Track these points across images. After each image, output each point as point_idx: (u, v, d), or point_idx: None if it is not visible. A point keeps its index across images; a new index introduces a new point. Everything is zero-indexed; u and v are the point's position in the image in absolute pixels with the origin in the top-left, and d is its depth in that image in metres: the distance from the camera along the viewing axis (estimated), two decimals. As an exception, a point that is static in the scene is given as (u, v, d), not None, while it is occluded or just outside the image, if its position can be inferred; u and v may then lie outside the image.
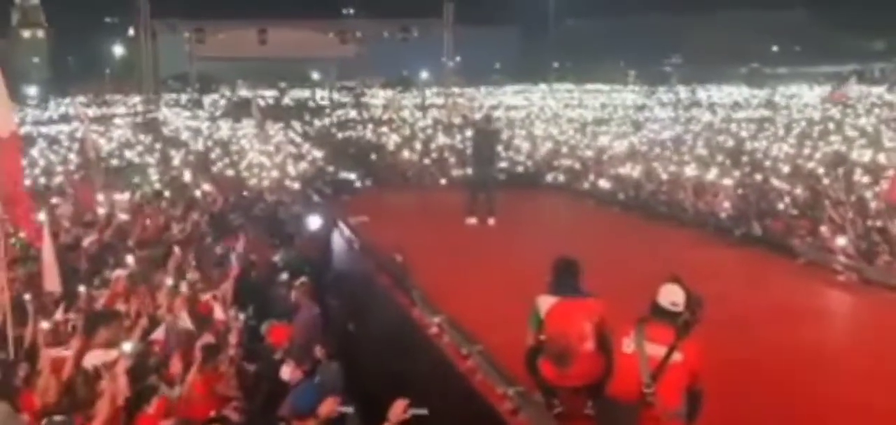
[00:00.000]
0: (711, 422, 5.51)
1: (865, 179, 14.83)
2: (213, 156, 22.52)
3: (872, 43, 50.06)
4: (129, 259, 9.95)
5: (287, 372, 7.09)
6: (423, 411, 5.20)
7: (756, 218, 13.00)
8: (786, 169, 16.49)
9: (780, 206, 13.42)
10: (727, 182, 15.40)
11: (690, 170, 17.09)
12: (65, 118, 34.14)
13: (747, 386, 6.84)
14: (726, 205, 13.86)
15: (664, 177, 16.99)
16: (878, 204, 12.64)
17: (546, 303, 6.17)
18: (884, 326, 8.92)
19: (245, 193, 16.69)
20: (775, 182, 15.03)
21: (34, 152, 23.28)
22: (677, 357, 5.25)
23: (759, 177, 15.83)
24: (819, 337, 8.57)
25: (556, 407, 6.24)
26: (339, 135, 27.31)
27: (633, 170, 17.81)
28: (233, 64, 50.06)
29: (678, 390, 5.28)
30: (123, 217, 12.70)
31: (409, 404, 5.16)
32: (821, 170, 15.95)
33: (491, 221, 13.83)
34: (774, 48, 52.81)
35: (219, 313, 8.85)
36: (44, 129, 30.71)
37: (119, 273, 9.12)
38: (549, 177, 19.19)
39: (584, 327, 5.93)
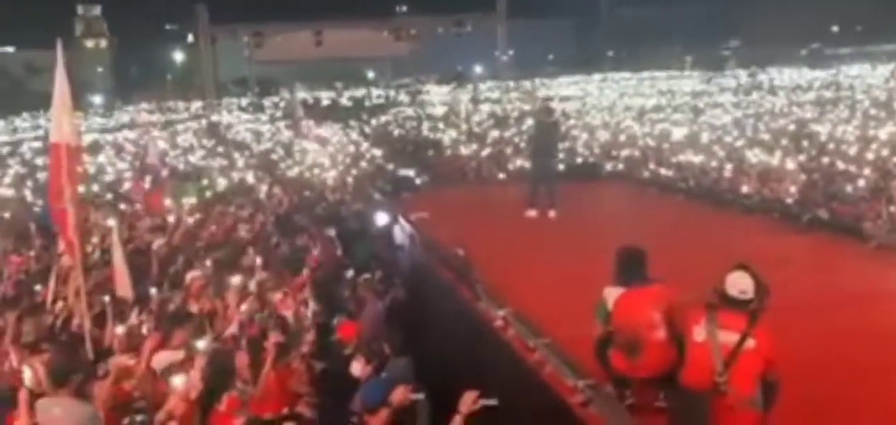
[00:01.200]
0: (784, 409, 5.46)
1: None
2: (274, 157, 22.87)
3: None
4: (204, 261, 10.17)
5: (357, 368, 7.18)
6: (493, 401, 5.22)
7: (823, 202, 12.76)
8: (852, 151, 16.10)
9: (848, 189, 13.13)
10: (792, 166, 15.12)
11: (754, 156, 16.81)
12: (129, 125, 34.98)
13: (819, 371, 6.73)
14: (792, 190, 13.61)
15: (727, 163, 16.73)
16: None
17: (613, 294, 6.18)
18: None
19: (307, 193, 16.91)
20: (841, 164, 14.68)
21: (101, 159, 23.93)
22: (750, 343, 5.21)
23: (824, 160, 15.49)
24: (893, 322, 8.38)
25: (627, 399, 6.24)
26: (396, 133, 27.49)
27: (695, 158, 17.58)
28: (290, 66, 50.78)
29: (752, 377, 5.24)
30: (190, 221, 12.97)
31: (480, 395, 5.20)
32: (886, 151, 15.54)
33: (552, 214, 13.81)
34: (835, 28, 51.53)
35: (291, 311, 9.02)
36: (109, 137, 31.51)
37: (193, 274, 9.33)
38: (609, 167, 19.06)
39: (652, 316, 5.89)
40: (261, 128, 31.23)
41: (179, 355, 6.90)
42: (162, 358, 6.93)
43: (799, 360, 6.68)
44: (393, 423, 6.11)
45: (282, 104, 38.93)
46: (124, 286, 8.54)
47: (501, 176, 18.66)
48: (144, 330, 7.71)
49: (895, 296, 9.47)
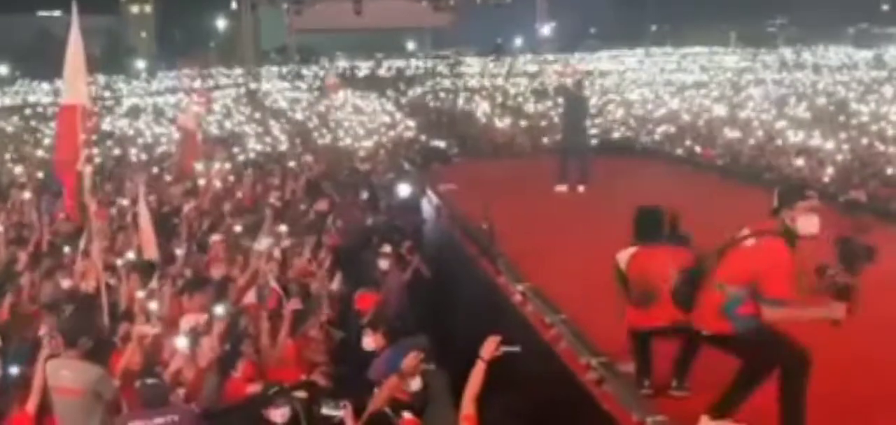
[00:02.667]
0: (821, 393, 5.31)
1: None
2: (310, 126, 22.94)
3: None
4: (229, 225, 10.25)
5: (368, 342, 7.18)
6: (516, 348, 5.19)
7: (861, 183, 12.47)
8: (892, 132, 15.70)
9: (889, 171, 12.81)
10: (831, 146, 14.80)
11: (793, 135, 16.49)
12: (171, 90, 35.31)
13: (857, 356, 6.54)
14: (830, 170, 13.32)
15: (766, 141, 16.45)
16: None
17: (625, 255, 6.24)
18: None
19: (337, 162, 16.96)
20: (881, 146, 14.32)
21: (140, 124, 24.23)
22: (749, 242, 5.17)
23: (864, 141, 15.13)
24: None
25: (645, 388, 6.15)
26: (433, 105, 27.41)
27: (732, 135, 17.30)
28: (330, 36, 50.79)
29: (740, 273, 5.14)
30: (220, 185, 13.08)
31: (501, 342, 5.16)
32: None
33: (581, 189, 13.68)
34: (885, 7, 50.27)
35: (313, 278, 9.05)
36: (150, 101, 31.85)
37: (216, 238, 9.41)
38: (644, 142, 18.82)
39: (667, 270, 5.74)
40: (299, 96, 31.32)
41: (202, 318, 6.97)
42: (186, 322, 7.00)
43: (834, 344, 6.56)
44: (409, 398, 6.10)
45: (321, 73, 39.00)
46: (150, 248, 8.63)
47: (535, 150, 18.53)
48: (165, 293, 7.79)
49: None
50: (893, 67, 28.50)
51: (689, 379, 6.12)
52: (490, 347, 5.13)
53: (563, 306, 7.76)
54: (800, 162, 14.42)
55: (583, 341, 6.97)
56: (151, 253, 8.55)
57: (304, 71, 39.82)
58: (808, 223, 4.99)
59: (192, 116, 16.72)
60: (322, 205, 12.04)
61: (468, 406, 4.99)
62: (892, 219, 11.17)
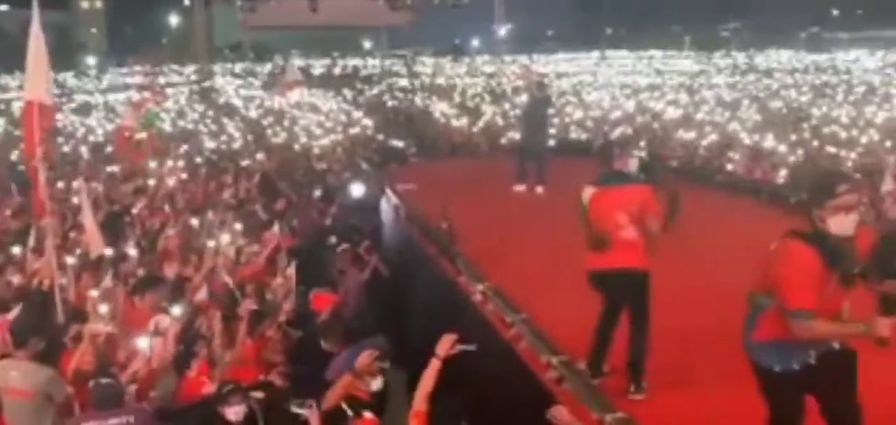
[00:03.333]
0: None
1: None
2: (264, 123, 22.69)
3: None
4: (180, 223, 10.06)
5: (326, 345, 7.10)
6: (472, 347, 5.23)
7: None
8: (843, 135, 16.00)
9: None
10: (783, 148, 15.05)
11: (746, 137, 16.74)
12: (123, 87, 34.67)
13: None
14: (783, 172, 13.53)
15: (719, 143, 16.66)
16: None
17: (588, 192, 6.29)
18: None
19: (293, 160, 16.79)
20: (832, 149, 14.57)
21: (91, 121, 23.76)
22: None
23: (815, 143, 15.38)
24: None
25: (605, 371, 6.20)
26: (390, 104, 27.31)
27: (685, 137, 17.50)
28: (285, 33, 50.30)
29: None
30: (172, 183, 12.85)
31: (457, 340, 5.18)
32: (878, 137, 15.43)
33: (539, 189, 13.70)
34: (835, 12, 51.36)
35: (269, 278, 8.92)
36: (101, 98, 31.24)
37: (168, 233, 9.24)
38: (602, 143, 18.89)
39: (618, 217, 6.05)
40: (253, 93, 30.99)
41: (163, 319, 6.82)
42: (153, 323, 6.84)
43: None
44: (369, 397, 6.04)
45: (276, 71, 38.65)
46: (97, 244, 8.43)
47: (493, 150, 18.55)
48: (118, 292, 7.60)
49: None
50: (845, 71, 29.09)
51: (646, 380, 6.14)
52: (445, 345, 5.14)
53: (523, 305, 7.75)
54: (751, 161, 14.63)
55: (543, 340, 6.96)
56: (98, 247, 8.36)
57: (258, 68, 39.40)
58: (840, 223, 4.22)
59: (132, 115, 16.52)
60: (279, 204, 11.91)
61: (420, 403, 5.00)
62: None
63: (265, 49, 48.19)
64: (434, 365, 5.12)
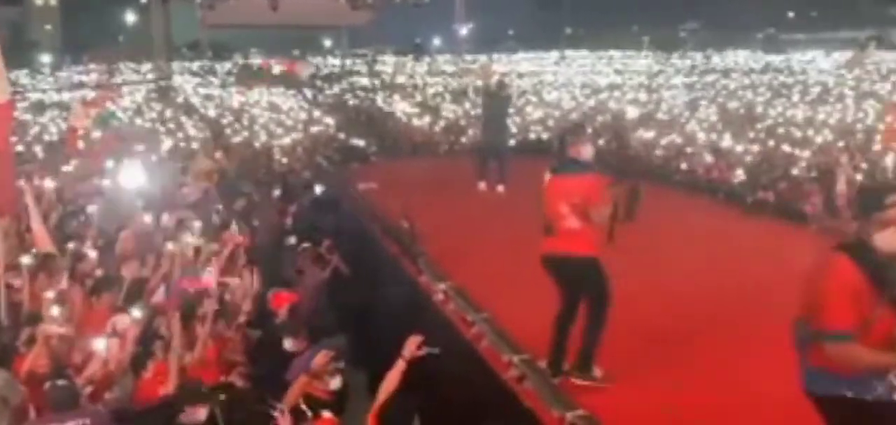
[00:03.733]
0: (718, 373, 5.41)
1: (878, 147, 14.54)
2: (224, 122, 22.45)
3: (891, 8, 49.28)
4: (136, 223, 9.90)
5: (289, 344, 7.05)
6: (436, 351, 5.34)
7: (769, 184, 12.87)
8: (798, 134, 16.25)
9: (794, 172, 13.24)
10: (740, 148, 15.25)
11: (704, 136, 16.94)
12: (78, 85, 34.05)
13: (755, 352, 6.77)
14: (739, 171, 13.72)
15: (678, 142, 16.84)
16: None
17: (545, 179, 6.40)
18: None
19: (254, 159, 16.64)
20: (787, 148, 14.79)
21: (44, 119, 23.32)
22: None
23: (771, 143, 15.60)
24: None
25: (564, 368, 6.22)
26: (351, 103, 27.18)
27: (644, 136, 17.67)
28: (244, 31, 49.80)
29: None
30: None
31: (423, 342, 5.28)
32: (831, 137, 15.69)
33: (500, 188, 13.75)
34: (791, 14, 52.16)
35: (226, 278, 8.81)
36: (56, 96, 30.66)
37: (125, 234, 9.10)
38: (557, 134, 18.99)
39: (560, 208, 6.16)
40: (212, 92, 30.63)
41: (122, 320, 6.72)
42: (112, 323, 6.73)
43: (739, 344, 6.75)
44: (328, 396, 6.02)
45: (235, 70, 38.27)
46: (44, 244, 8.28)
47: (454, 149, 18.58)
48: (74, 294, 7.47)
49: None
50: (799, 71, 29.54)
51: (596, 368, 6.19)
52: (411, 347, 5.18)
53: (484, 304, 7.77)
54: (709, 159, 14.80)
55: (504, 339, 6.98)
56: (46, 246, 8.21)
57: (218, 66, 38.98)
58: (885, 239, 3.79)
59: (83, 113, 16.28)
60: (239, 204, 11.78)
61: (381, 403, 5.03)
62: (798, 220, 11.55)
63: (224, 47, 47.68)
64: (399, 367, 5.17)
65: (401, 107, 24.55)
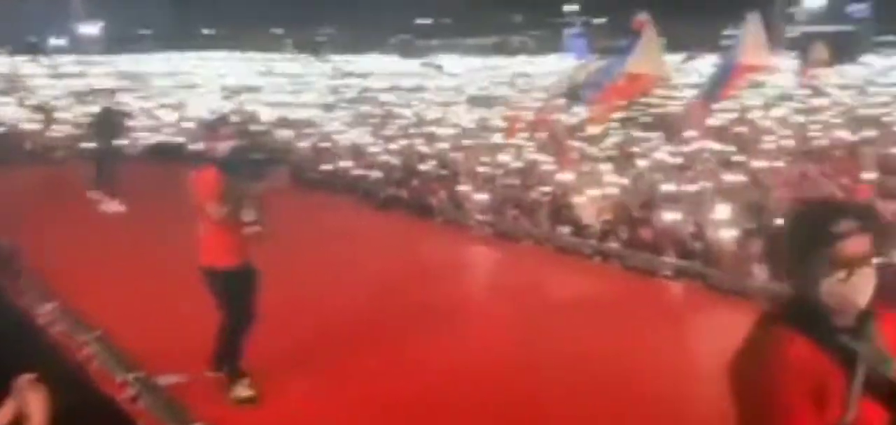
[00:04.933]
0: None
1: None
2: None
3: (512, 16, 54.66)
4: None
5: None
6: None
7: (401, 181, 13.31)
8: (430, 133, 16.99)
9: (422, 168, 13.77)
10: (376, 148, 15.62)
11: (343, 137, 17.16)
12: None
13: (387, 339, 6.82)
14: (375, 171, 14.04)
15: (319, 144, 16.92)
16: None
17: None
18: (513, 274, 9.60)
19: None
20: (425, 148, 15.34)
21: None
22: None
23: (405, 142, 16.14)
24: (454, 291, 8.80)
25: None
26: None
27: (284, 135, 17.56)
28: None
29: None
30: None
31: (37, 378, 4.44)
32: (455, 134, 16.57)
33: (114, 198, 12.78)
34: (427, 20, 55.54)
35: None
36: None
37: None
38: (193, 147, 18.21)
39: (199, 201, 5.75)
40: None
41: None
42: None
43: (369, 334, 6.71)
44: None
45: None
46: None
47: (70, 156, 17.09)
48: None
49: (458, 268, 10.05)
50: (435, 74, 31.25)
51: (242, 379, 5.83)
52: (24, 384, 4.40)
53: (96, 322, 6.99)
54: (349, 162, 14.96)
55: (117, 358, 6.32)
56: None
57: None
58: (841, 289, 2.21)
59: None
60: None
61: None
62: (426, 214, 12.03)
63: None
64: (10, 407, 4.34)
65: (9, 112, 22.01)
